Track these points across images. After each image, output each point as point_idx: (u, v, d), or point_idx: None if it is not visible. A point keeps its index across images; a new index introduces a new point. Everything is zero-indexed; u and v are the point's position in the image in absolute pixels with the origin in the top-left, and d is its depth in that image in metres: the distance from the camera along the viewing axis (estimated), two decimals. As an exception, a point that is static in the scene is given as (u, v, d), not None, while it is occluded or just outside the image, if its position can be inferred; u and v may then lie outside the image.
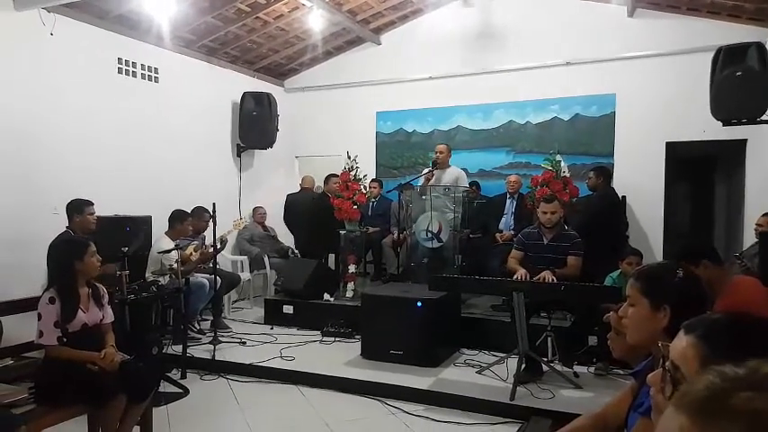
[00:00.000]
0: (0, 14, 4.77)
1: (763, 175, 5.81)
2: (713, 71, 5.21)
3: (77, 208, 4.45)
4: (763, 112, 5.02)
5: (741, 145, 6.24)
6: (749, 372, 0.61)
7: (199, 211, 5.73)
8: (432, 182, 5.88)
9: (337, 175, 6.69)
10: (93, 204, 4.54)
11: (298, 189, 7.67)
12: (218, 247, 5.48)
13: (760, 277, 3.22)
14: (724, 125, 5.31)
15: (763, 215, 4.79)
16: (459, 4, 7.36)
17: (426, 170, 6.05)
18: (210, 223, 5.12)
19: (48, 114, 5.16)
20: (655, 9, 6.46)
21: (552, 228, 4.41)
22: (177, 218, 5.44)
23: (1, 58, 4.78)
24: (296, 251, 7.31)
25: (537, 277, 4.13)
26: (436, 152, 6.04)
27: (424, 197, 5.82)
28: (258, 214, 7.38)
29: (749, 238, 5.31)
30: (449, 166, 6.02)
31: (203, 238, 5.79)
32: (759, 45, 5.08)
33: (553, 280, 4.07)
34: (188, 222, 5.49)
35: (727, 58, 5.12)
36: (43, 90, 5.12)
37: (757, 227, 4.75)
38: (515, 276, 4.19)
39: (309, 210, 7.08)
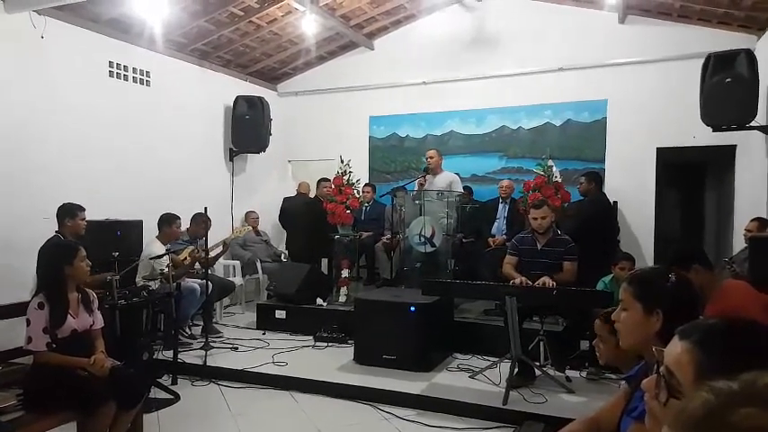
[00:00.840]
0: (-10, 17, 4.74)
1: (752, 180, 5.86)
2: (703, 77, 5.26)
3: (69, 212, 4.41)
4: (753, 119, 5.07)
5: (731, 151, 6.30)
6: (745, 386, 0.59)
7: (198, 217, 5.71)
8: (425, 187, 5.89)
9: (328, 179, 6.72)
10: (84, 210, 4.51)
11: (294, 193, 7.81)
12: (222, 249, 5.63)
13: (750, 281, 3.24)
14: (714, 131, 5.37)
15: (752, 221, 4.83)
16: (452, 9, 7.40)
17: (420, 176, 6.07)
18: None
19: (38, 118, 5.12)
20: (646, 16, 6.52)
21: (545, 233, 4.43)
22: (166, 221, 5.38)
23: (-9, 61, 4.75)
24: (285, 252, 7.36)
25: (537, 282, 4.13)
26: (427, 158, 6.06)
27: (417, 202, 5.83)
28: (251, 219, 7.35)
29: (739, 243, 5.35)
30: (441, 170, 6.04)
31: (202, 244, 5.75)
32: (748, 52, 5.15)
33: (553, 285, 4.08)
34: (177, 225, 5.43)
35: (716, 65, 5.18)
36: (33, 93, 5.08)
37: (746, 232, 4.80)
38: (513, 283, 4.19)
39: (302, 214, 7.11)
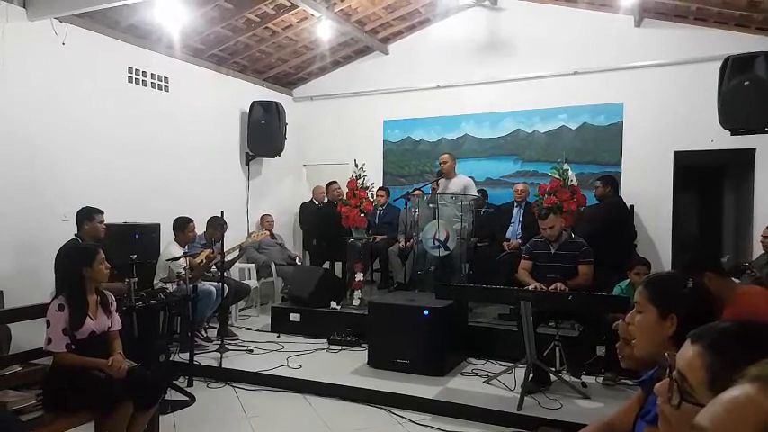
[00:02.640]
0: (13, 24, 4.85)
1: (772, 184, 5.78)
2: (721, 81, 5.20)
3: (87, 215, 4.48)
4: (772, 122, 5.00)
5: (750, 154, 6.21)
6: None
7: (214, 221, 5.77)
8: (439, 191, 5.88)
9: (336, 182, 6.75)
10: (102, 213, 4.57)
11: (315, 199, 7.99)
12: (238, 254, 5.70)
13: (769, 287, 3.20)
14: (732, 134, 5.29)
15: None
16: (466, 13, 7.40)
17: (433, 180, 6.07)
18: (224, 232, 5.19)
19: (59, 122, 5.22)
20: (662, 19, 6.46)
21: (557, 238, 4.40)
22: (179, 226, 5.39)
23: (14, 67, 4.86)
24: (299, 256, 7.51)
25: (550, 288, 4.10)
26: (440, 162, 6.06)
27: (431, 205, 5.83)
28: (266, 222, 7.41)
29: (759, 248, 5.27)
30: (455, 174, 6.02)
31: (219, 247, 5.80)
32: (767, 55, 5.07)
33: (565, 289, 4.05)
34: (190, 228, 5.48)
35: (735, 68, 5.11)
36: (55, 99, 5.19)
37: (764, 239, 4.73)
38: (530, 288, 4.17)
39: (314, 218, 7.18)
